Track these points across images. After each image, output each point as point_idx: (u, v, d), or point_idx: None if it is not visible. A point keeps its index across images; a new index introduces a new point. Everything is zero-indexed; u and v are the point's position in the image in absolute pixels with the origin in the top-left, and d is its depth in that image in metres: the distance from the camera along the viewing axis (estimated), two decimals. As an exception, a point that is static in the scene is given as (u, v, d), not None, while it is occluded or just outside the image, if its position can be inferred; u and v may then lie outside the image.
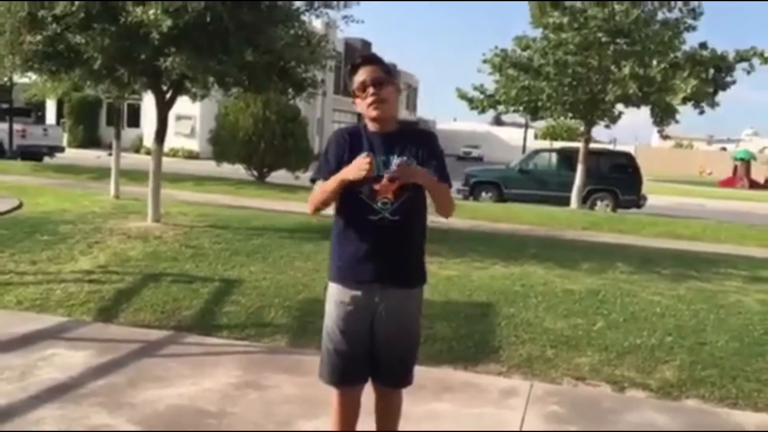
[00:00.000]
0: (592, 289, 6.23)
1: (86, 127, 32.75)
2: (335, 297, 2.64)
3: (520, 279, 6.48)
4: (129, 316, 4.94)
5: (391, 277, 2.59)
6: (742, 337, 5.09)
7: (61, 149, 22.29)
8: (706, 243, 10.59)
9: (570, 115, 15.83)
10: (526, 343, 4.73)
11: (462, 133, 56.39)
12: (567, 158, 17.10)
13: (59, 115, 32.62)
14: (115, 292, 5.43)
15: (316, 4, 8.09)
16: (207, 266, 6.34)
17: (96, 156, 23.67)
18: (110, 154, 13.47)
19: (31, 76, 10.23)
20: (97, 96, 17.43)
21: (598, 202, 16.27)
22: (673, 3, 13.99)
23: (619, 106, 15.26)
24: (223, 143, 17.29)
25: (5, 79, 14.23)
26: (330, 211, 2.69)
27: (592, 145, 16.59)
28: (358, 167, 2.42)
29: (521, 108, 15.58)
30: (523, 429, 3.49)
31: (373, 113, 2.57)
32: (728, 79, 14.46)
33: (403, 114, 46.67)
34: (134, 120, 31.52)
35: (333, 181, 2.51)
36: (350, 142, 2.57)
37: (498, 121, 56.77)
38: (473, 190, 17.18)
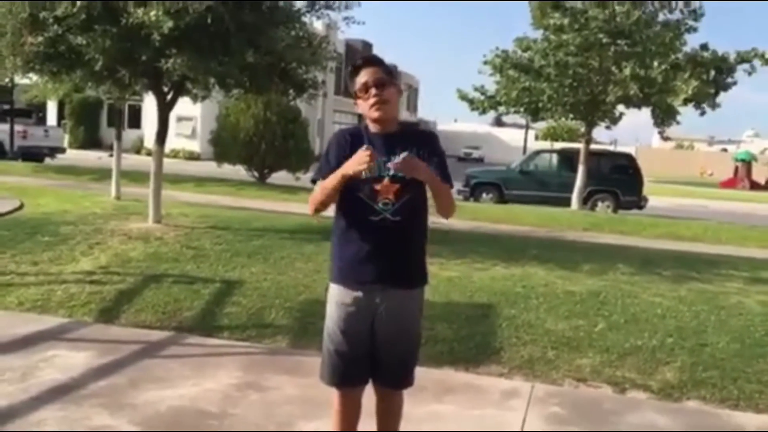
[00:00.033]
0: (593, 291, 6.23)
1: (87, 128, 32.77)
2: (336, 298, 2.64)
3: (521, 280, 6.48)
4: (130, 317, 4.95)
5: (392, 277, 2.60)
6: (743, 338, 5.09)
7: (62, 150, 22.31)
8: (707, 244, 10.58)
9: (571, 116, 15.83)
10: (527, 345, 4.73)
11: (463, 134, 56.42)
12: (568, 159, 17.10)
13: (60, 116, 32.65)
14: (116, 292, 5.44)
15: (317, 5, 8.09)
16: (208, 267, 6.35)
17: (97, 157, 23.68)
18: (111, 155, 13.48)
19: (32, 78, 10.21)
20: (98, 97, 17.46)
21: (599, 203, 16.26)
22: (674, 4, 13.99)
23: (620, 107, 15.26)
24: (224, 144, 17.30)
25: (6, 80, 14.25)
26: (331, 212, 2.70)
27: (593, 146, 16.58)
28: (358, 161, 2.42)
29: (522, 109, 15.57)
30: (524, 430, 3.49)
31: (375, 114, 2.57)
32: (729, 80, 14.46)
33: (404, 115, 46.68)
34: (135, 121, 31.53)
35: (333, 178, 2.51)
36: (351, 143, 2.57)
37: (499, 122, 56.76)
38: (474, 191, 17.18)
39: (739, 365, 4.52)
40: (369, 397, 2.76)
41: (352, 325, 2.61)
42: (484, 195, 17.05)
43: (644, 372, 4.37)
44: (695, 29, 14.20)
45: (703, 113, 14.64)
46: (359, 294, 2.60)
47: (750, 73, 14.17)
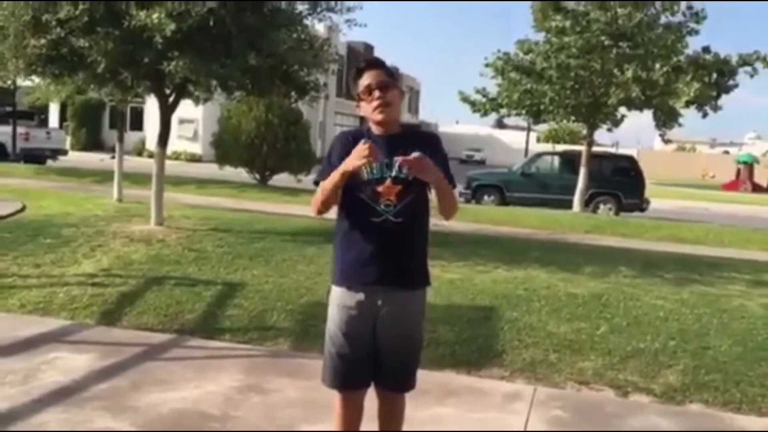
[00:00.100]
0: (595, 293, 6.22)
1: (89, 130, 32.80)
2: (338, 300, 2.64)
3: (523, 283, 6.47)
4: (132, 320, 4.95)
5: (394, 279, 2.59)
6: (745, 341, 5.08)
7: (64, 152, 22.32)
8: (710, 247, 10.57)
9: (572, 118, 15.85)
10: (530, 347, 4.73)
11: (464, 136, 56.40)
12: (569, 161, 17.10)
13: (62, 118, 32.68)
14: (118, 295, 5.44)
15: (319, 7, 8.10)
16: (210, 269, 6.35)
17: (99, 159, 23.71)
18: (113, 157, 13.51)
19: (35, 80, 10.23)
20: (101, 99, 17.44)
21: (601, 206, 16.26)
22: (676, 7, 13.99)
23: (622, 110, 15.28)
24: (226, 146, 17.32)
25: (9, 82, 14.27)
26: (332, 214, 2.70)
27: (595, 149, 16.57)
28: (357, 155, 2.42)
29: (524, 111, 15.59)
30: (527, 433, 3.48)
31: (379, 117, 2.58)
32: (731, 82, 14.49)
33: (406, 117, 46.71)
34: (137, 123, 31.56)
35: (334, 175, 2.51)
36: (354, 145, 2.57)
37: (500, 124, 56.77)
38: (475, 193, 17.18)
39: (742, 368, 4.51)
40: (371, 400, 2.75)
41: (354, 327, 2.61)
42: (485, 197, 17.05)
43: (647, 375, 4.36)
44: (697, 32, 14.22)
45: (705, 115, 14.66)
46: (361, 296, 2.59)
47: (752, 76, 14.22)
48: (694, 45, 14.72)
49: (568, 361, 4.52)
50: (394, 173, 2.53)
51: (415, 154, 2.40)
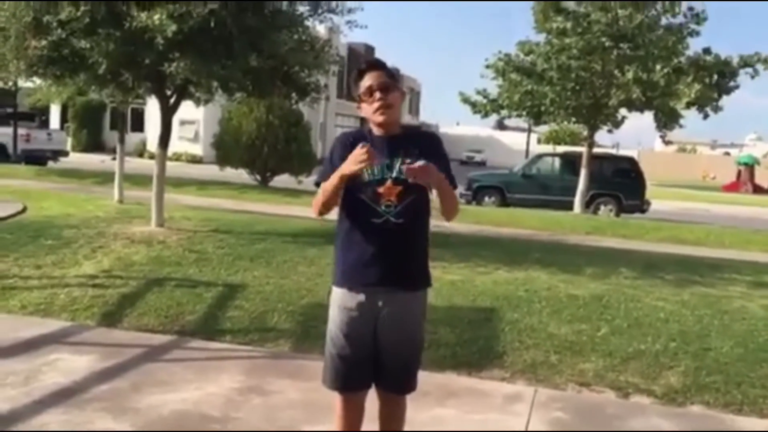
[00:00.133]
0: (596, 295, 6.22)
1: (90, 132, 32.81)
2: (339, 302, 2.64)
3: (523, 284, 6.47)
4: (133, 321, 4.95)
5: (395, 279, 2.59)
6: (746, 342, 5.08)
7: (65, 153, 22.33)
8: (710, 248, 10.57)
9: (573, 119, 15.85)
10: (530, 349, 4.72)
11: (465, 137, 56.37)
12: (570, 163, 17.10)
13: (63, 119, 32.68)
14: (119, 296, 5.44)
15: (320, 9, 8.10)
16: (210, 271, 6.35)
17: (100, 160, 23.73)
18: (114, 159, 13.50)
19: (36, 81, 10.25)
20: (101, 100, 17.43)
21: (602, 207, 16.26)
22: (677, 8, 13.99)
23: (623, 111, 15.27)
24: (227, 147, 17.33)
25: (10, 83, 14.29)
26: (334, 215, 2.70)
27: (595, 150, 16.58)
28: (355, 159, 2.42)
29: (524, 112, 15.59)
30: (528, 435, 3.48)
31: (380, 118, 2.58)
32: (732, 84, 14.49)
33: (406, 118, 46.70)
34: (138, 124, 31.58)
35: (333, 177, 2.51)
36: (355, 146, 2.57)
37: (501, 126, 56.76)
38: (476, 194, 17.18)
39: (743, 370, 4.51)
40: (372, 401, 2.75)
41: (354, 328, 2.61)
42: (486, 198, 17.05)
43: (648, 376, 4.36)
44: (698, 33, 14.23)
45: (705, 117, 14.65)
46: (362, 297, 2.60)
47: (753, 77, 14.23)
48: (694, 46, 14.78)
49: (569, 363, 4.52)
50: (394, 174, 2.53)
51: (419, 163, 2.40)
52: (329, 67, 9.14)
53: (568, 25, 13.86)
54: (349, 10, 8.22)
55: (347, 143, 2.61)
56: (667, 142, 21.73)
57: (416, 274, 2.68)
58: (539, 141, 54.23)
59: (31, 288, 5.56)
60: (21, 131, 20.44)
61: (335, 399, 2.72)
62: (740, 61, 14.08)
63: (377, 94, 2.56)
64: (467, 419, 3.61)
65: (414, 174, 2.40)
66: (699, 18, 14.12)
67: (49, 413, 3.36)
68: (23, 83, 13.40)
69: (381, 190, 2.54)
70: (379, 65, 2.66)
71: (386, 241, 2.56)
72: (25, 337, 4.45)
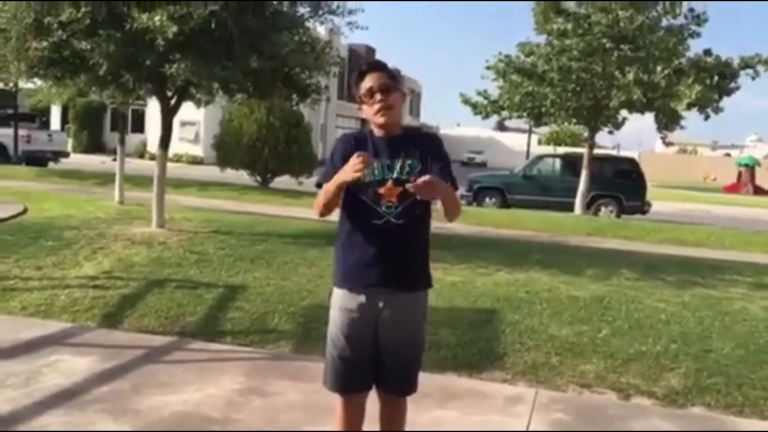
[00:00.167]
0: (597, 296, 6.22)
1: (91, 133, 32.85)
2: (340, 303, 2.64)
3: (524, 285, 6.47)
4: (133, 322, 4.94)
5: (396, 280, 2.59)
6: (747, 344, 5.07)
7: (66, 154, 22.35)
8: (711, 249, 10.56)
9: (574, 120, 15.85)
10: (531, 350, 4.72)
11: (465, 138, 56.39)
12: (571, 164, 17.10)
13: (64, 120, 32.73)
14: (120, 297, 5.44)
15: (321, 10, 8.10)
16: (211, 272, 6.35)
17: (100, 161, 23.74)
18: (114, 160, 13.50)
19: (36, 82, 10.25)
20: (102, 101, 17.43)
21: (603, 208, 16.26)
22: (677, 9, 13.99)
23: (623, 112, 15.27)
24: (227, 149, 17.34)
25: (10, 84, 14.29)
26: (335, 216, 2.70)
27: (596, 151, 16.58)
28: (351, 168, 2.42)
29: (525, 114, 15.60)
30: (528, 436, 3.47)
31: (381, 120, 2.58)
32: (732, 85, 14.50)
33: (407, 120, 46.72)
34: (139, 125, 31.62)
35: (331, 184, 2.52)
36: (356, 147, 2.58)
37: (501, 127, 56.78)
38: (477, 195, 17.18)
39: (744, 371, 4.50)
40: (372, 403, 2.75)
41: (355, 330, 2.61)
42: (487, 200, 17.05)
43: (649, 378, 4.36)
44: (699, 34, 14.23)
45: (706, 118, 14.65)
46: (362, 298, 2.59)
47: (753, 78, 14.22)
48: (695, 47, 14.80)
49: (570, 364, 4.51)
50: (395, 175, 2.53)
51: (424, 178, 2.39)
52: (330, 68, 9.14)
53: (569, 26, 13.87)
54: (350, 12, 8.22)
55: (348, 145, 2.62)
56: (668, 144, 21.76)
57: (417, 275, 2.68)
58: (540, 142, 54.24)
59: (32, 289, 5.56)
60: (22, 132, 20.47)
61: (336, 400, 2.72)
62: (741, 62, 14.08)
63: (378, 96, 2.56)
64: (468, 421, 3.60)
65: (419, 191, 2.39)
66: (699, 19, 14.12)
67: (49, 414, 3.36)
68: (24, 84, 13.42)
69: (382, 191, 2.54)
70: (379, 66, 2.66)
71: (387, 242, 2.56)
72: (26, 339, 4.45)
